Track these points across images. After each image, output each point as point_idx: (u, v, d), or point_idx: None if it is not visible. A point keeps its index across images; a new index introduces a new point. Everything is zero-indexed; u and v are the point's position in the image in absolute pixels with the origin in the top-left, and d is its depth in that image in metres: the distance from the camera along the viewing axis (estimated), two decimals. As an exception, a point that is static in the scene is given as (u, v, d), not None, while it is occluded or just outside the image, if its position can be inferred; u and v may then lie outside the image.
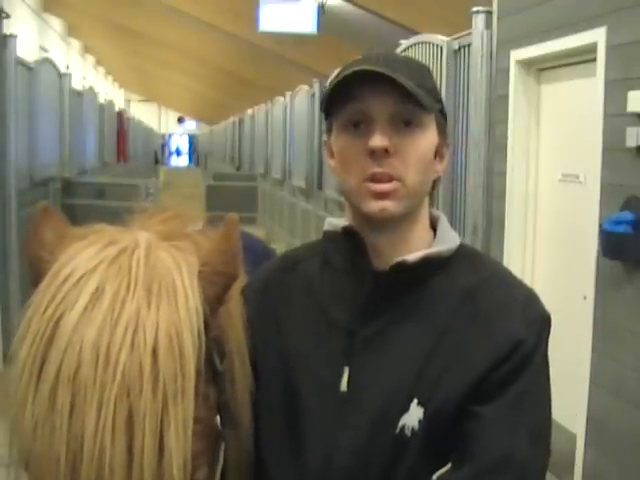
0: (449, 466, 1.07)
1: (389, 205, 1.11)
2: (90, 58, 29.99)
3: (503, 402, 1.06)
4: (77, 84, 11.25)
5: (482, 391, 1.06)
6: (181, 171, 37.17)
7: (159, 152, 41.10)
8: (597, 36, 3.59)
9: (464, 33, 5.09)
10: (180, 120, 50.70)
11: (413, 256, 1.14)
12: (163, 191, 13.48)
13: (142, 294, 0.87)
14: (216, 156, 29.33)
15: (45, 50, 17.09)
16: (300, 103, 10.92)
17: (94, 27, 23.27)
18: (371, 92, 1.10)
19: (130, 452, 0.82)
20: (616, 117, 3.43)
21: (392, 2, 11.10)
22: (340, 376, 1.13)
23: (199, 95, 36.63)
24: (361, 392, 1.12)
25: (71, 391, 0.82)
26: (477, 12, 4.83)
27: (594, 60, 3.63)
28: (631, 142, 3.30)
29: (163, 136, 48.01)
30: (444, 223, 1.22)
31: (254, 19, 12.66)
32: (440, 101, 1.18)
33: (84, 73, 26.36)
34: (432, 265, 1.15)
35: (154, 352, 0.84)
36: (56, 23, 21.38)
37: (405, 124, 1.11)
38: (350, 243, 1.17)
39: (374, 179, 1.10)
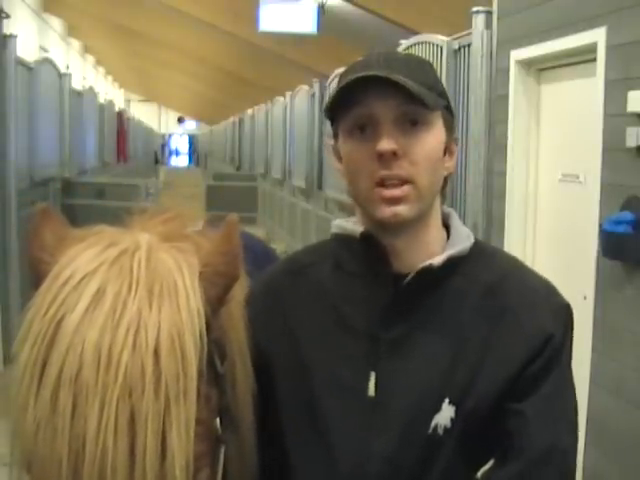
0: (491, 463, 1.08)
1: (401, 210, 1.10)
2: (90, 58, 29.97)
3: (539, 397, 1.08)
4: (77, 84, 11.25)
5: (518, 386, 1.08)
6: (181, 171, 37.15)
7: (159, 152, 41.10)
8: (597, 36, 3.58)
9: (464, 33, 5.09)
10: (180, 120, 50.69)
11: (438, 259, 1.14)
12: (163, 191, 13.47)
13: (143, 295, 0.87)
14: (216, 156, 29.32)
15: (45, 50, 17.07)
16: (300, 103, 10.92)
17: (94, 27, 23.25)
18: (375, 96, 1.09)
19: (132, 453, 0.82)
20: (616, 117, 3.43)
21: (392, 2, 11.10)
22: (366, 381, 1.13)
23: (199, 95, 36.62)
24: (391, 396, 1.12)
25: (73, 392, 0.82)
26: (477, 12, 4.83)
27: (594, 60, 3.63)
28: (631, 142, 3.29)
29: (163, 136, 47.99)
30: (456, 220, 1.22)
31: (254, 19, 12.65)
32: (444, 96, 1.17)
33: (84, 73, 26.34)
34: (452, 265, 1.15)
35: (156, 353, 0.84)
36: (56, 23, 21.36)
37: (411, 124, 1.11)
38: (366, 247, 1.16)
39: (384, 183, 1.10)
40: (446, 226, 1.22)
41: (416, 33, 6.53)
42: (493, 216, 4.80)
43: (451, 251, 1.16)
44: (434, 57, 5.33)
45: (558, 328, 1.11)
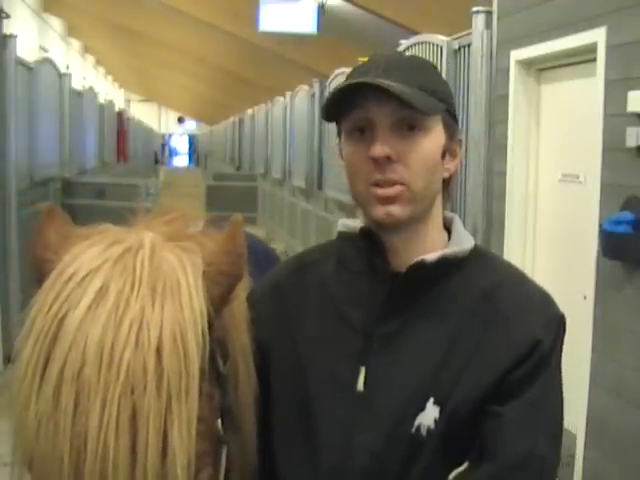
0: (466, 465, 1.08)
1: (394, 210, 1.12)
2: (90, 58, 29.96)
3: (522, 401, 1.07)
4: (77, 84, 11.25)
5: (502, 391, 1.08)
6: (181, 171, 37.14)
7: (159, 152, 41.08)
8: (597, 36, 3.59)
9: (464, 33, 5.09)
10: (180, 120, 50.69)
11: (431, 256, 1.15)
12: (163, 191, 13.45)
13: (146, 293, 0.87)
14: (216, 156, 29.31)
15: (45, 50, 17.06)
16: (300, 103, 10.92)
17: (94, 27, 23.25)
18: (374, 100, 1.11)
19: (134, 451, 0.82)
20: (616, 117, 3.43)
21: (392, 2, 11.10)
22: (356, 376, 1.13)
23: (199, 95, 36.61)
24: (377, 391, 1.12)
25: (75, 390, 0.82)
26: (477, 12, 4.83)
27: (594, 60, 3.63)
28: (631, 142, 3.30)
29: (163, 136, 47.97)
30: (458, 224, 1.23)
31: (254, 19, 12.65)
32: (447, 100, 1.18)
33: (84, 73, 26.33)
34: (448, 265, 1.16)
35: (158, 351, 0.84)
36: (56, 23, 21.35)
37: (409, 129, 1.12)
38: (367, 243, 1.18)
39: (378, 184, 1.12)
40: (448, 230, 1.23)
41: (416, 33, 6.53)
42: (493, 216, 4.80)
43: (446, 250, 1.17)
44: (434, 57, 5.33)
45: (548, 335, 1.11)
